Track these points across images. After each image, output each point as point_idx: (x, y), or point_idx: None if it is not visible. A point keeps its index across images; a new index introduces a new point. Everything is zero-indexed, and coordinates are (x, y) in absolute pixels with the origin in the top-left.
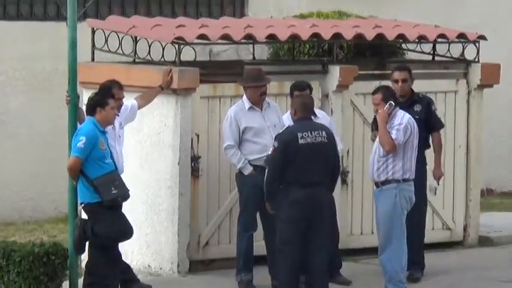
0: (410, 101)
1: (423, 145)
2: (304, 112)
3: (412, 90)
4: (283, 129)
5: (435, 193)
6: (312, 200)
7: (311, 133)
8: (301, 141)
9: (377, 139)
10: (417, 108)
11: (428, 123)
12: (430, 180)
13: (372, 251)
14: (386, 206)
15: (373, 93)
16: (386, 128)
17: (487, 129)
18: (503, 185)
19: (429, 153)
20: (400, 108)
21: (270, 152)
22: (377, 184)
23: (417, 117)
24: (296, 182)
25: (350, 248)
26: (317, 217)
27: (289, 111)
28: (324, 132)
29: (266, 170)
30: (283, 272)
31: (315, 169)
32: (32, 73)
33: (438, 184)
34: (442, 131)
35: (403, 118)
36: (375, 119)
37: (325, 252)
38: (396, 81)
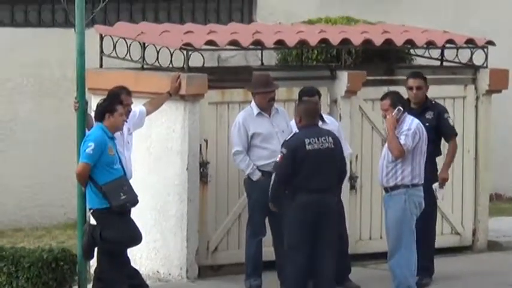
0: (422, 107)
1: (433, 152)
2: (309, 119)
3: (426, 97)
4: (290, 135)
5: (437, 196)
6: (319, 206)
7: (318, 139)
8: (308, 147)
9: (386, 144)
10: (429, 115)
11: (439, 131)
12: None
13: (381, 256)
14: (395, 212)
15: (382, 98)
16: (394, 133)
17: (495, 134)
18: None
19: (441, 161)
20: (412, 115)
21: (278, 159)
22: (386, 189)
23: (427, 124)
24: (303, 187)
25: (359, 253)
26: (324, 223)
27: None
28: (330, 137)
29: (273, 175)
30: (291, 277)
31: (323, 175)
32: (40, 80)
33: (441, 187)
34: None
35: (411, 124)
36: None
37: (332, 258)
38: (411, 89)
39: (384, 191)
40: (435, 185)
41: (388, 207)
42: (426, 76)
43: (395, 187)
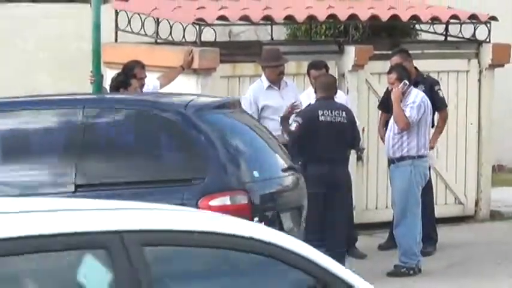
0: (413, 81)
1: None
2: (325, 92)
3: (417, 70)
4: (305, 107)
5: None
6: (329, 177)
7: (331, 112)
8: (321, 118)
9: (392, 117)
10: (420, 89)
11: (432, 103)
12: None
13: (387, 225)
14: (401, 183)
15: (388, 72)
16: (400, 106)
17: (497, 107)
18: None
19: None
20: None
21: (293, 128)
22: (392, 160)
23: None
24: (314, 158)
25: (365, 222)
26: (334, 193)
27: (306, 90)
28: (343, 112)
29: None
30: None
31: (333, 146)
32: (56, 53)
33: None
34: (454, 109)
35: (416, 96)
36: (382, 99)
37: (343, 228)
38: None
39: (389, 163)
40: (430, 153)
41: (394, 179)
42: (431, 51)
43: (402, 158)
